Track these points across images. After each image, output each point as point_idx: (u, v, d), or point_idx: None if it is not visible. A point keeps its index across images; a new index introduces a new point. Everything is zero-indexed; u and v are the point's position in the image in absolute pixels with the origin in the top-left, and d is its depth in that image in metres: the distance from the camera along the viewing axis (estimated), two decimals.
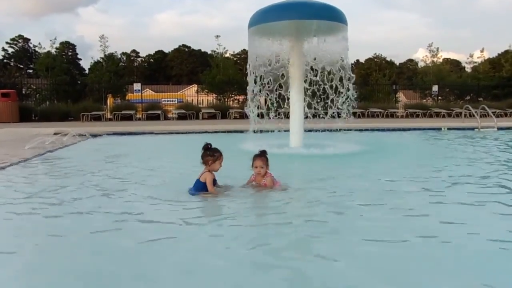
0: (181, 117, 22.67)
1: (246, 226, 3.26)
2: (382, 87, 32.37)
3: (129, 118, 22.16)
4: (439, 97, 30.87)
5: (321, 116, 8.54)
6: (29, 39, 64.30)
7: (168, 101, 33.48)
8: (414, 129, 14.04)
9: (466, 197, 4.10)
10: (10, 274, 2.37)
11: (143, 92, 26.94)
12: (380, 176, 5.27)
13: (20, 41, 64.92)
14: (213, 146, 4.14)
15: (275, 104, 8.84)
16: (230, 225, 3.25)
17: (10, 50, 64.26)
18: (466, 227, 3.13)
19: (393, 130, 13.75)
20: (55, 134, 10.23)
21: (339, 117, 8.27)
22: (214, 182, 4.08)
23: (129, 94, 30.05)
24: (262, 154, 4.29)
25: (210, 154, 4.03)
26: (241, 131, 10.31)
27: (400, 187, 4.63)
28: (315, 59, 8.40)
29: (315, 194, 4.25)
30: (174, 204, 3.78)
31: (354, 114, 8.18)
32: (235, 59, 48.00)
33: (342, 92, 8.09)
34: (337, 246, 2.75)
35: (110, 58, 29.94)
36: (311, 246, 2.77)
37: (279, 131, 8.96)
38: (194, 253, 2.62)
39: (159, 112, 23.12)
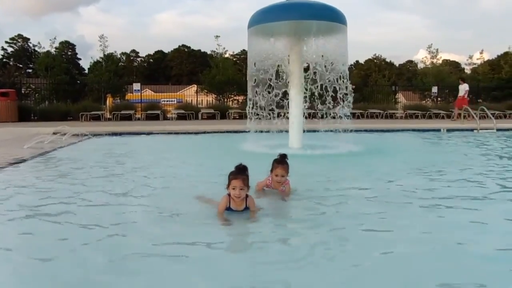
0: (181, 117, 22.64)
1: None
2: (382, 88, 32.37)
3: (128, 118, 22.13)
4: (439, 98, 30.88)
5: (321, 116, 8.51)
6: (28, 39, 64.34)
7: (167, 101, 33.36)
8: (413, 130, 14.03)
9: (467, 198, 4.09)
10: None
11: (142, 92, 26.89)
12: (382, 177, 5.26)
13: (19, 40, 64.87)
14: (241, 167, 3.30)
15: (274, 104, 8.81)
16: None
17: (10, 49, 64.30)
18: (469, 228, 3.14)
19: (392, 131, 13.74)
20: (54, 133, 10.22)
21: (339, 118, 8.25)
22: (230, 209, 3.29)
23: (129, 94, 30.03)
24: (285, 162, 3.83)
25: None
26: (241, 132, 10.29)
27: (403, 188, 4.61)
28: (314, 61, 8.37)
29: (325, 198, 4.13)
30: (175, 214, 3.67)
31: (353, 115, 8.14)
32: (234, 59, 47.99)
33: (341, 95, 8.06)
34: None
35: (109, 58, 29.93)
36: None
37: (279, 131, 8.92)
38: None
39: (158, 112, 23.10)
